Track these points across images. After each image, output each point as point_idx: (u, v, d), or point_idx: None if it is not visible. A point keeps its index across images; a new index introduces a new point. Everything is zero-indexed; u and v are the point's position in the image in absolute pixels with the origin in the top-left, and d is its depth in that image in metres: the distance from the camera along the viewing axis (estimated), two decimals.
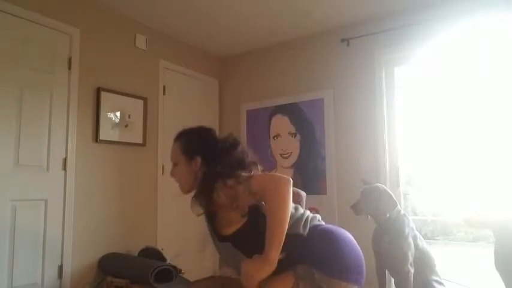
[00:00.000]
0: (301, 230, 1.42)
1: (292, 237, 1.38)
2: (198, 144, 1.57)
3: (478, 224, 2.50)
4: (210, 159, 1.52)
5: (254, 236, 1.39)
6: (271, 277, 1.35)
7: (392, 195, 2.72)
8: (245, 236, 1.44)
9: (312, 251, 1.39)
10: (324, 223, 1.55)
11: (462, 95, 3.49)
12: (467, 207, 3.29)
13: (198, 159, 1.54)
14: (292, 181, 1.38)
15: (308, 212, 1.54)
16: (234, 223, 1.45)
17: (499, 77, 3.18)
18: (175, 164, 1.60)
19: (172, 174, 1.62)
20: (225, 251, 1.52)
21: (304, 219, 1.46)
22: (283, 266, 1.36)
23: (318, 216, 1.56)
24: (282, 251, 1.33)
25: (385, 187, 2.77)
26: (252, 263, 1.35)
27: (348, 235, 1.50)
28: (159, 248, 3.47)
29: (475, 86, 3.37)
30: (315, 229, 1.46)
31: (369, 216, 2.73)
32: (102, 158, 3.33)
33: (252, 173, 1.46)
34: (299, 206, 1.54)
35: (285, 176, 1.39)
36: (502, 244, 2.36)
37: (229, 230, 1.46)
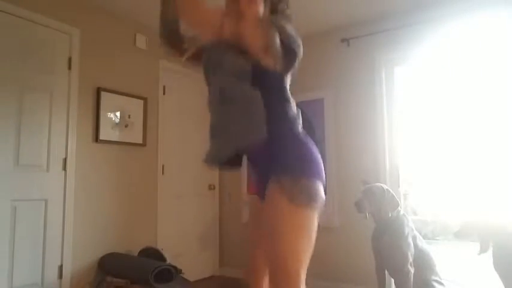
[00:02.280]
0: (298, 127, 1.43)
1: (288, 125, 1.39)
2: None
3: (467, 236, 2.53)
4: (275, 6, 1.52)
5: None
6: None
7: (395, 195, 2.72)
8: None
9: (290, 161, 1.35)
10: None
11: (462, 95, 3.49)
12: (458, 219, 3.30)
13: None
14: None
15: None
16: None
17: (499, 77, 3.18)
18: None
19: None
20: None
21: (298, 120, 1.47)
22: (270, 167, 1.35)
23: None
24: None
25: (387, 187, 2.78)
26: None
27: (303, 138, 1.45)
28: (159, 248, 3.48)
29: (475, 86, 3.37)
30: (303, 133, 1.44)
31: (368, 214, 2.73)
32: (102, 158, 3.33)
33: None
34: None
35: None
36: (500, 245, 2.37)
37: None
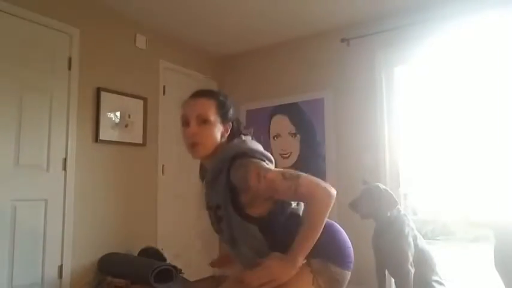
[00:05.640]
0: None
1: None
2: (232, 110, 1.50)
3: (481, 223, 2.52)
4: (237, 129, 1.50)
5: (279, 227, 1.37)
6: None
7: (393, 194, 2.72)
8: (271, 223, 1.37)
9: (322, 243, 1.35)
10: None
11: (462, 94, 3.49)
12: (470, 207, 3.29)
13: (230, 125, 1.48)
14: (335, 194, 1.30)
15: None
16: (257, 205, 1.37)
17: (498, 77, 3.19)
18: (203, 121, 1.42)
19: (195, 132, 1.41)
20: (229, 232, 1.41)
21: None
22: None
23: None
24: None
25: (385, 186, 2.77)
26: (278, 262, 1.27)
27: (338, 226, 1.52)
28: (159, 248, 3.48)
29: (475, 86, 3.37)
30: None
31: (364, 215, 2.72)
32: (102, 158, 3.33)
33: (300, 173, 1.33)
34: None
35: (332, 188, 1.29)
36: (502, 244, 2.37)
37: (255, 211, 1.37)
